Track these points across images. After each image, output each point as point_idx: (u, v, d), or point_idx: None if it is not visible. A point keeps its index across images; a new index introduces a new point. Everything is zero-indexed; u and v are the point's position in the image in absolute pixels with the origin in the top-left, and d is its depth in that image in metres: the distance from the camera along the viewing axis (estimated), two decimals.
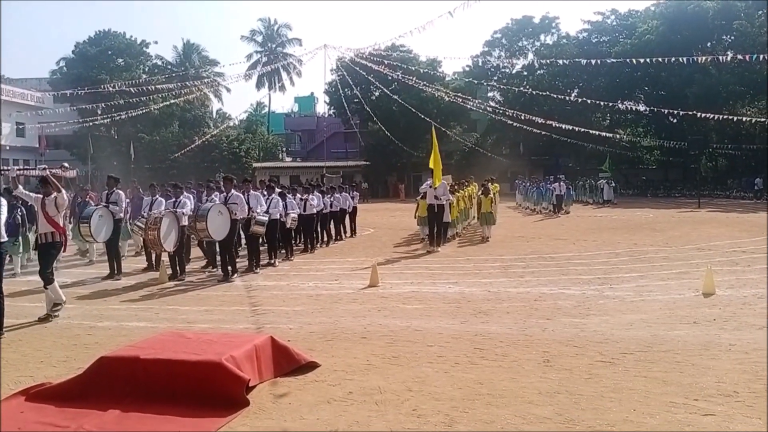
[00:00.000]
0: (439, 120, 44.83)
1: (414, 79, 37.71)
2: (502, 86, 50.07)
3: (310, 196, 15.79)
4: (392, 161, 54.51)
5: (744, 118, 37.81)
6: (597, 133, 37.27)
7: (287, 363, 5.97)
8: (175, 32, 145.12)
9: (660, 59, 28.28)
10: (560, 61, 38.14)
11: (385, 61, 38.81)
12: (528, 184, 34.45)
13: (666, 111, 34.98)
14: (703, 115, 29.73)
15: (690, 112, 30.27)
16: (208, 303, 9.76)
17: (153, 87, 38.34)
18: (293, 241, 15.68)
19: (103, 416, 4.85)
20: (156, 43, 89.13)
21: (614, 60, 38.13)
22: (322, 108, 70.35)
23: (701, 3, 44.29)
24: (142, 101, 38.58)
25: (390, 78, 41.27)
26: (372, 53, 37.25)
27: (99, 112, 39.11)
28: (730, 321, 7.75)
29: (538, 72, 53.52)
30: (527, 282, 11.03)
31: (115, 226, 12.32)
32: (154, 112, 46.14)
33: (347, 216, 19.40)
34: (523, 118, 34.04)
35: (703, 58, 32.76)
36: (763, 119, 34.91)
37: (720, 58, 33.51)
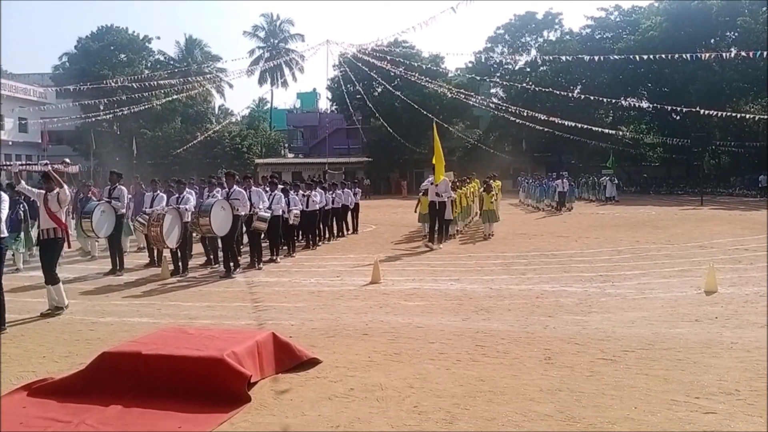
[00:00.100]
0: (441, 116, 44.73)
1: (416, 75, 37.61)
2: (504, 82, 49.89)
3: (313, 193, 15.78)
4: (394, 158, 54.45)
5: (747, 116, 37.80)
6: (600, 129, 37.18)
7: (289, 359, 5.97)
8: (178, 28, 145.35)
9: (663, 56, 28.24)
10: (563, 58, 38.10)
11: (388, 57, 38.75)
12: (531, 181, 34.41)
13: (669, 108, 34.88)
14: (707, 112, 29.63)
15: (693, 109, 30.18)
16: (210, 299, 9.77)
17: (155, 83, 38.20)
18: (295, 238, 15.68)
19: (105, 411, 4.87)
20: (158, 38, 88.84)
21: (617, 56, 38.08)
22: (324, 104, 70.39)
23: (705, 0, 44.18)
24: (144, 97, 38.53)
25: (392, 74, 41.23)
26: (374, 49, 37.21)
27: (101, 107, 39.06)
28: (732, 319, 7.74)
29: (541, 68, 53.37)
30: (529, 279, 11.03)
31: (117, 222, 12.33)
32: (157, 108, 46.12)
33: (349, 212, 19.41)
34: (525, 114, 33.94)
35: (707, 54, 32.63)
36: (766, 116, 34.86)
37: (723, 54, 33.34)
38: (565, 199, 28.74)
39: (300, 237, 16.48)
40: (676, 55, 27.45)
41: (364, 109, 53.25)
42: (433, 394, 5.23)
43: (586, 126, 34.17)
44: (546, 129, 37.99)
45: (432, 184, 15.99)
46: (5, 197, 8.09)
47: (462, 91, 42.39)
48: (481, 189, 19.84)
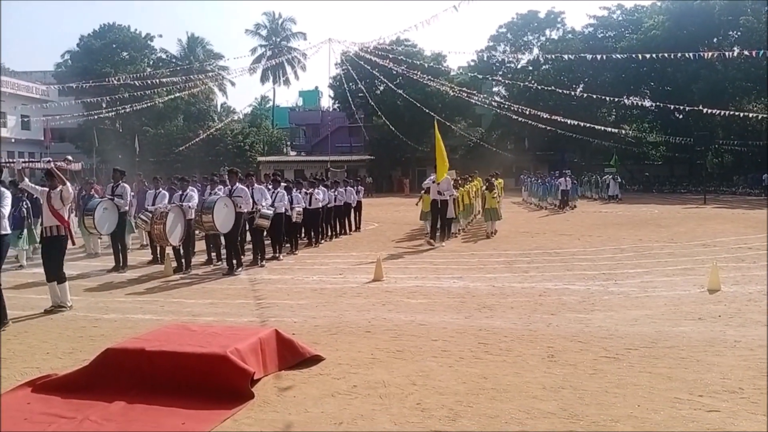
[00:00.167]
0: (443, 115, 44.71)
1: (419, 73, 37.55)
2: (507, 81, 49.86)
3: (316, 191, 15.79)
4: (397, 156, 54.45)
5: (750, 114, 37.71)
6: (602, 128, 37.13)
7: (292, 356, 5.98)
8: (180, 26, 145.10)
9: (666, 55, 28.15)
10: (566, 56, 37.98)
11: (390, 56, 38.64)
12: (533, 179, 34.37)
13: (672, 107, 34.83)
14: (709, 111, 29.57)
15: (696, 108, 30.08)
16: (213, 296, 9.78)
17: (158, 80, 38.27)
18: (298, 235, 15.69)
19: (109, 407, 4.87)
20: (161, 36, 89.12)
21: (620, 55, 37.95)
22: (326, 102, 70.41)
23: None
24: (146, 94, 38.52)
25: (395, 72, 41.10)
26: (377, 47, 37.10)
27: (104, 105, 39.12)
28: (735, 317, 7.73)
29: (544, 67, 53.33)
30: (532, 277, 11.02)
31: (120, 219, 12.34)
32: (159, 106, 46.11)
33: (351, 210, 19.40)
34: (528, 113, 33.87)
35: (710, 53, 32.58)
36: None
37: (726, 53, 33.29)
38: (568, 197, 28.72)
39: (303, 235, 16.48)
40: (679, 54, 27.39)
41: (366, 108, 53.21)
42: (436, 392, 5.23)
43: (588, 125, 34.10)
44: (548, 127, 37.95)
45: (434, 182, 15.98)
46: (7, 194, 8.10)
47: (464, 89, 42.29)
48: (484, 187, 19.83)
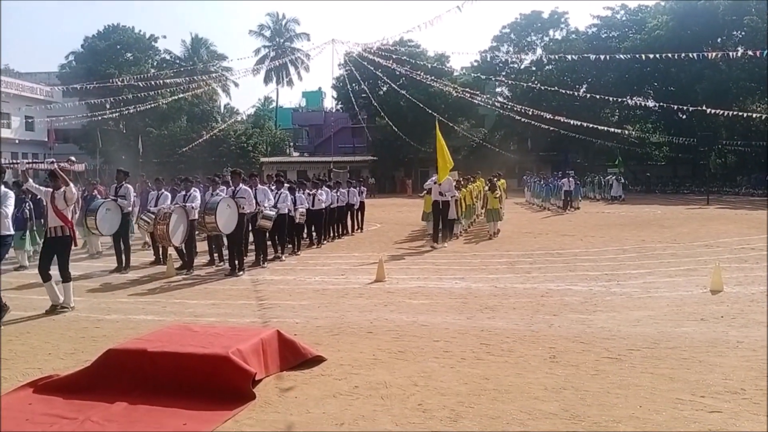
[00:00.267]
0: (446, 115, 44.70)
1: (422, 74, 37.59)
2: (510, 81, 49.83)
3: (319, 191, 15.80)
4: (399, 156, 54.42)
5: (754, 115, 37.60)
6: (606, 128, 37.06)
7: (293, 357, 5.98)
8: (184, 27, 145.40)
9: (670, 55, 28.11)
10: (569, 57, 37.88)
11: (393, 56, 38.71)
12: (536, 180, 34.33)
13: (675, 107, 34.76)
14: (713, 111, 29.51)
15: (699, 108, 30.01)
16: (215, 297, 9.79)
17: (161, 81, 38.30)
18: (301, 236, 15.70)
19: (111, 408, 4.88)
20: (164, 37, 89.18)
21: (623, 56, 37.90)
22: (329, 103, 70.31)
23: None
24: (150, 95, 38.61)
25: (398, 73, 41.15)
26: (380, 48, 37.16)
27: (108, 106, 39.22)
28: (738, 318, 7.71)
29: (547, 67, 53.27)
30: (534, 278, 11.01)
31: (123, 220, 12.36)
32: (163, 107, 46.21)
33: (354, 211, 19.39)
34: (531, 113, 33.84)
35: (713, 54, 32.50)
36: None
37: (730, 54, 33.17)
38: (571, 198, 28.68)
39: (305, 235, 16.48)
40: (683, 54, 27.33)
41: (369, 108, 53.22)
42: (438, 392, 5.23)
43: (591, 125, 34.06)
44: (552, 128, 37.88)
45: (435, 183, 15.97)
46: (11, 194, 8.12)
47: (467, 90, 42.30)
48: (486, 188, 19.81)
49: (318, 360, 6.09)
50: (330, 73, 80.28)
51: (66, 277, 8.71)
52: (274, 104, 71.98)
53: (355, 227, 19.74)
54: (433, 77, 39.54)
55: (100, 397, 5.07)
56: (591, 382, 5.44)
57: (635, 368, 5.79)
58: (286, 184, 14.78)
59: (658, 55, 29.28)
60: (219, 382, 5.13)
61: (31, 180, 9.60)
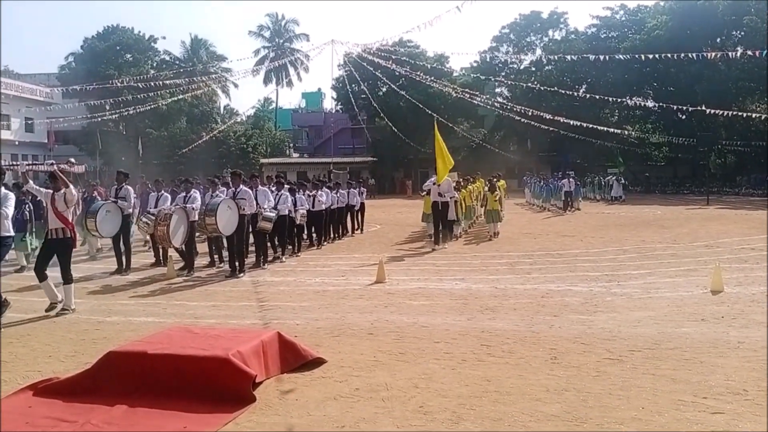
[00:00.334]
0: (446, 116, 44.66)
1: (421, 74, 37.58)
2: (509, 82, 49.84)
3: (319, 192, 15.79)
4: (399, 157, 54.42)
5: (753, 115, 37.61)
6: (605, 129, 37.07)
7: (294, 359, 5.97)
8: (183, 27, 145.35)
9: (669, 55, 28.10)
10: (568, 57, 37.85)
11: (393, 57, 38.67)
12: (536, 180, 34.32)
13: (675, 107, 34.67)
14: (713, 111, 29.53)
15: (699, 108, 30.01)
16: (215, 298, 9.78)
17: (161, 82, 38.28)
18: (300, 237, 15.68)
19: (111, 411, 4.87)
20: (164, 38, 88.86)
21: (623, 56, 37.88)
22: (329, 104, 70.30)
23: None
24: (150, 97, 38.60)
25: (397, 74, 41.14)
26: (379, 49, 37.14)
27: (107, 107, 39.19)
28: (739, 318, 7.71)
29: (547, 68, 53.30)
30: (534, 279, 11.00)
31: (123, 222, 12.35)
32: (162, 108, 46.20)
33: (354, 212, 19.37)
34: (531, 114, 33.86)
35: (713, 54, 32.51)
36: None
37: (729, 54, 33.22)
38: (571, 198, 28.67)
39: (305, 237, 16.47)
40: (682, 55, 27.32)
41: (368, 109, 53.22)
42: (439, 394, 5.22)
43: (591, 125, 34.07)
44: (551, 128, 37.88)
45: (434, 184, 15.94)
46: (11, 196, 8.11)
47: (467, 90, 42.28)
48: (486, 189, 19.79)
49: (318, 362, 6.08)
50: (329, 74, 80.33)
51: (68, 279, 8.72)
52: (273, 105, 71.96)
53: (355, 228, 19.73)
54: (432, 78, 39.55)
55: (101, 399, 5.06)
56: (592, 383, 5.43)
57: (637, 369, 5.78)
58: (286, 186, 14.78)
59: (657, 56, 29.28)
60: (219, 384, 5.12)
61: (31, 181, 9.59)
